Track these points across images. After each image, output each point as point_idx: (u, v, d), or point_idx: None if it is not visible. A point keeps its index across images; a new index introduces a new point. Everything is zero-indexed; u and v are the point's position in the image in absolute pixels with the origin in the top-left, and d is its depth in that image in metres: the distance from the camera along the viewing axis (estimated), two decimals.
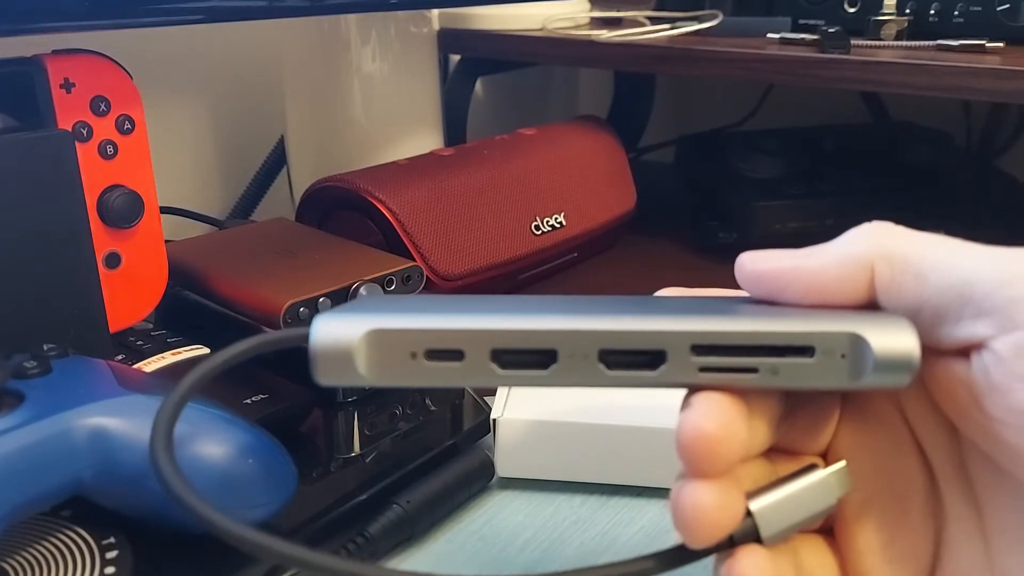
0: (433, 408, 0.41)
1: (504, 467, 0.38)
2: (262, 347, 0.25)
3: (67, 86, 0.36)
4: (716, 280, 0.28)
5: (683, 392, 0.23)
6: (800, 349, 0.21)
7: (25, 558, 0.29)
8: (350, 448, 0.38)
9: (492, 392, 0.40)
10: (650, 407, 0.37)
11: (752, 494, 0.23)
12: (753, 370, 0.22)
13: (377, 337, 0.22)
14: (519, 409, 0.38)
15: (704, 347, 0.22)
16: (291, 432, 0.37)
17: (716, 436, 0.21)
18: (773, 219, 0.61)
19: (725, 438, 0.21)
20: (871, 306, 0.23)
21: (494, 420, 0.37)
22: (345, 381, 0.22)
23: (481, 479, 0.37)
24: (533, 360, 0.22)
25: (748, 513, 0.22)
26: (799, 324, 0.22)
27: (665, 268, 0.60)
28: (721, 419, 0.21)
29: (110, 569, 0.28)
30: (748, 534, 0.22)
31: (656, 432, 0.36)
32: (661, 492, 0.37)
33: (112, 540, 0.30)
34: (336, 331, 0.22)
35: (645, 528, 0.36)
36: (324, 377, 0.22)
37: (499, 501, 0.38)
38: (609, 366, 0.22)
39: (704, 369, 0.22)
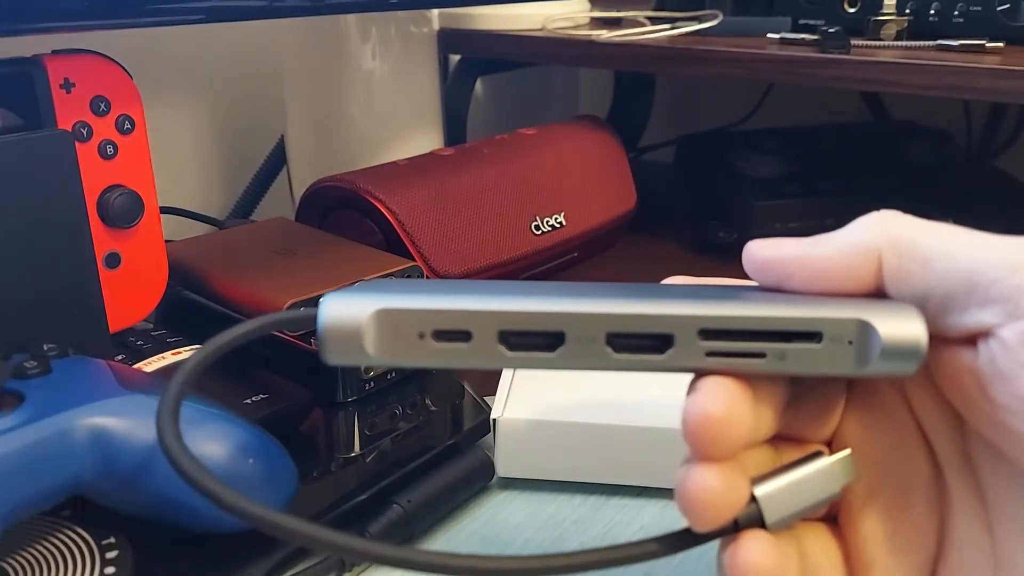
0: (433, 408, 0.41)
1: (504, 467, 0.38)
2: (272, 325, 0.25)
3: (67, 86, 0.36)
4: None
5: (686, 387, 0.23)
6: (807, 335, 0.21)
7: (25, 558, 0.29)
8: (350, 448, 0.38)
9: (492, 392, 0.40)
10: (650, 407, 0.37)
11: (757, 480, 0.23)
12: (760, 355, 0.22)
13: (385, 317, 0.22)
14: (519, 409, 0.38)
15: (711, 331, 0.22)
16: (291, 432, 0.37)
17: (722, 420, 0.21)
18: (773, 219, 0.61)
19: (731, 422, 0.21)
20: (878, 294, 0.23)
21: (494, 420, 0.37)
22: (353, 361, 0.22)
23: (481, 479, 0.37)
24: (541, 342, 0.22)
25: (753, 498, 0.22)
26: (807, 310, 0.22)
27: (665, 267, 0.60)
28: (727, 403, 0.21)
29: (110, 569, 0.28)
30: (752, 519, 0.22)
31: (656, 432, 0.36)
32: (661, 492, 0.37)
33: (112, 540, 0.29)
34: (344, 310, 0.22)
35: (645, 528, 0.36)
36: (332, 356, 0.22)
37: (499, 501, 0.37)
38: (616, 349, 0.22)
39: (711, 353, 0.22)
